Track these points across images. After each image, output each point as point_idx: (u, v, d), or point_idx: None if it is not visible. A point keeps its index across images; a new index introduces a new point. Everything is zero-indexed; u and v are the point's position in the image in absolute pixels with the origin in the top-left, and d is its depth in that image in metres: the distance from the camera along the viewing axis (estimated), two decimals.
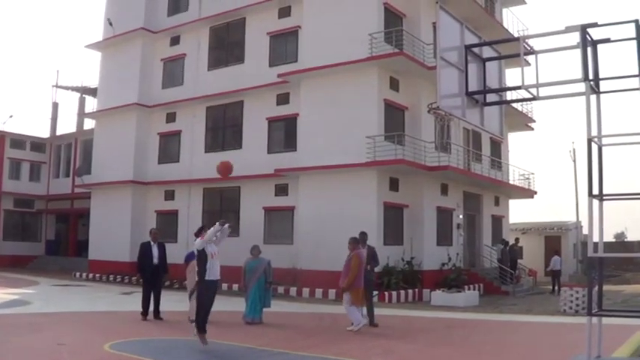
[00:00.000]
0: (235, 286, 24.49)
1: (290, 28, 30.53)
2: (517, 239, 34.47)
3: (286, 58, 30.45)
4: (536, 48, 10.42)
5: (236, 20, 32.93)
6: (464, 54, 9.10)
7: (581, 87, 8.71)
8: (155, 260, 17.42)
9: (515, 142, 50.49)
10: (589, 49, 8.87)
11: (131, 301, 21.96)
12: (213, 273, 12.43)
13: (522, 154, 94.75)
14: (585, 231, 49.67)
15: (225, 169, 14.02)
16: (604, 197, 8.77)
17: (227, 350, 11.78)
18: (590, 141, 8.31)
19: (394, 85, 27.70)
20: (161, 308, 17.32)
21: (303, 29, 29.56)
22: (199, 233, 13.15)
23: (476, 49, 9.55)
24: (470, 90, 9.14)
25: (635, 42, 8.62)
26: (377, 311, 19.81)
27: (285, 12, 30.99)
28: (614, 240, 62.69)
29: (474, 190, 32.50)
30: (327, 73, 27.74)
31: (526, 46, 32.49)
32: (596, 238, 9.31)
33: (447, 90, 8.70)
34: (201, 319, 12.36)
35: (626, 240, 60.33)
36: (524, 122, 38.42)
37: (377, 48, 26.69)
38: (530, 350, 12.71)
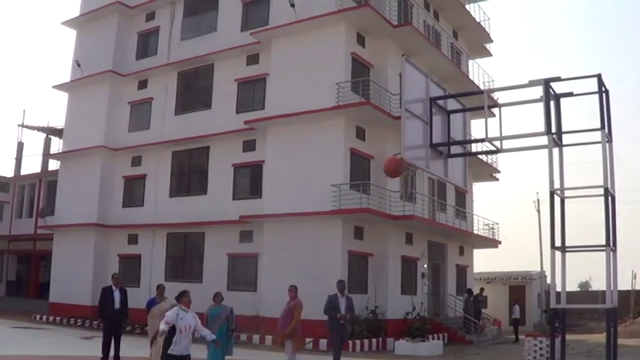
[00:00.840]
0: (197, 333, 24.18)
1: (258, 76, 30.72)
2: (482, 289, 34.60)
3: (253, 105, 30.60)
4: (501, 101, 10.58)
5: (204, 66, 33.09)
6: (429, 106, 9.22)
7: (544, 140, 8.85)
8: (117, 305, 17.18)
9: (480, 192, 51.10)
10: (552, 103, 9.04)
11: (92, 346, 21.61)
12: (177, 348, 11.11)
13: (487, 204, 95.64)
14: (550, 281, 50.11)
15: (394, 165, 11.34)
16: (566, 249, 8.87)
17: None
18: (552, 193, 8.43)
19: (360, 134, 27.92)
20: (121, 354, 17.06)
21: (271, 77, 29.78)
22: (180, 299, 11.67)
23: (441, 102, 9.68)
24: (434, 142, 9.24)
25: (596, 96, 8.82)
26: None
27: (253, 59, 31.19)
28: (578, 289, 63.25)
29: (438, 240, 32.65)
30: (293, 121, 27.90)
31: (491, 98, 33.11)
32: (559, 289, 9.42)
33: (411, 141, 8.79)
34: None
35: (590, 289, 60.93)
36: (488, 172, 38.83)
37: (344, 97, 26.93)
38: None
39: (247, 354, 20.81)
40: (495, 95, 34.70)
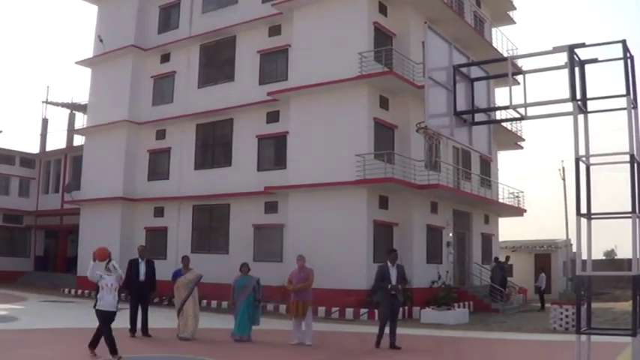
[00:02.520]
0: (224, 303, 24.45)
1: (280, 47, 30.62)
2: (507, 257, 34.46)
3: (276, 76, 30.56)
4: (525, 68, 10.47)
5: (226, 38, 33.02)
6: (452, 74, 9.14)
7: (569, 107, 8.76)
8: (142, 277, 17.38)
9: (505, 160, 50.82)
10: (577, 69, 8.93)
11: (120, 317, 21.74)
12: (102, 304, 12.50)
13: (512, 172, 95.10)
14: (575, 249, 49.89)
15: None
16: (592, 216, 8.82)
17: None
18: (577, 160, 8.36)
19: (384, 103, 27.82)
20: (149, 325, 17.24)
21: (293, 47, 29.68)
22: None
23: (464, 69, 9.60)
24: (458, 110, 9.18)
25: (622, 62, 8.71)
26: (367, 329, 19.93)
27: (275, 30, 31.10)
28: (604, 257, 62.96)
29: (463, 209, 32.59)
30: (316, 92, 27.85)
31: (515, 65, 32.83)
32: (584, 257, 9.38)
33: (435, 109, 8.73)
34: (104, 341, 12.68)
35: (615, 257, 60.61)
36: (513, 141, 38.63)
37: (367, 67, 26.81)
38: None
39: (274, 323, 20.98)
40: (520, 63, 34.59)
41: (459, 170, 31.80)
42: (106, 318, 12.43)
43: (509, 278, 32.79)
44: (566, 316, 20.70)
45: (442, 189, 28.01)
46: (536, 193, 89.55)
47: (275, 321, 21.91)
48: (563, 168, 44.49)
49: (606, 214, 8.83)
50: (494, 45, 36.38)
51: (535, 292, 34.01)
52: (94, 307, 12.60)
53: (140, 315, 17.18)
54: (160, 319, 19.29)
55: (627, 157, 8.38)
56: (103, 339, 12.65)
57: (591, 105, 9.37)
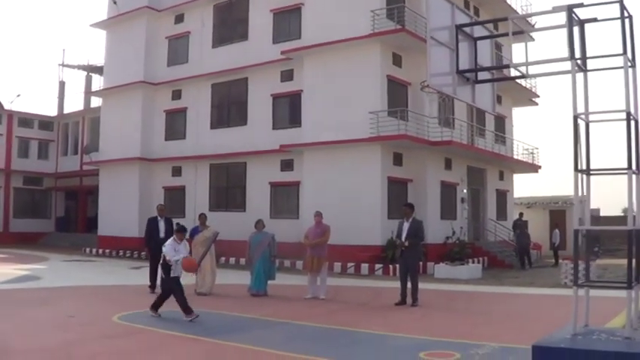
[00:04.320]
0: (242, 260, 24.93)
1: (293, 5, 30.65)
2: (521, 214, 34.20)
3: (290, 34, 30.67)
4: (542, 25, 10.66)
5: None
6: (454, 34, 9.36)
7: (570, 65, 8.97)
8: (162, 234, 17.74)
9: (520, 117, 50.76)
10: (577, 29, 9.12)
11: (140, 275, 22.40)
12: (177, 272, 13.26)
13: (527, 129, 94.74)
14: (592, 205, 49.96)
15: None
16: (590, 172, 9.09)
17: (231, 320, 12.19)
18: (575, 117, 8.61)
19: (397, 61, 27.93)
20: None
21: (306, 6, 29.74)
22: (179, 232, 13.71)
23: (467, 29, 9.80)
24: (460, 68, 9.41)
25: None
26: (383, 284, 20.38)
27: None
28: (622, 214, 63.10)
29: (478, 165, 32.76)
30: (330, 50, 27.99)
31: (528, 23, 32.68)
32: (583, 213, 9.68)
33: (437, 69, 8.95)
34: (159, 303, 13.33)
35: (634, 214, 60.70)
36: (528, 97, 38.59)
37: (379, 24, 26.88)
38: (525, 321, 13.07)
39: (289, 279, 21.40)
40: (533, 20, 34.47)
41: (472, 127, 31.92)
42: (178, 283, 13.14)
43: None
44: (579, 271, 20.93)
45: (455, 145, 28.20)
46: (552, 150, 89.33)
47: (292, 276, 22.34)
48: (587, 124, 44.17)
49: (603, 170, 9.10)
50: (508, 1, 36.11)
51: (550, 248, 34.17)
52: (167, 275, 13.22)
53: (160, 271, 17.67)
54: None
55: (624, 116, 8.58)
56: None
57: (593, 64, 9.55)
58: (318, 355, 9.37)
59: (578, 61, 8.95)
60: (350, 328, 11.89)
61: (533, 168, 37.99)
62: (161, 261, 13.41)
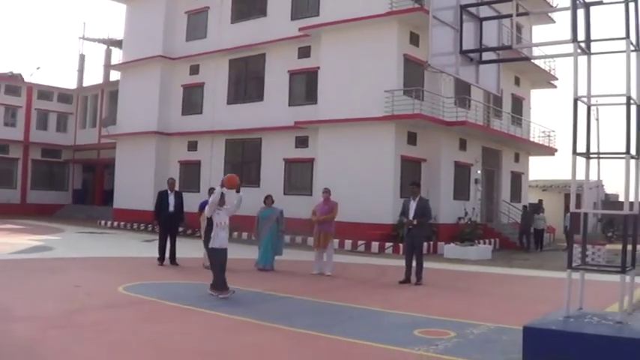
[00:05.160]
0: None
1: None
2: (540, 200, 33.57)
3: (308, 11, 30.65)
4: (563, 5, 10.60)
5: None
6: (459, 13, 9.36)
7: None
8: (171, 208, 17.96)
9: (539, 99, 50.42)
10: (582, 11, 9.11)
11: (151, 248, 22.54)
12: (217, 242, 12.24)
13: (545, 111, 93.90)
14: (607, 190, 49.74)
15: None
16: (590, 156, 9.11)
17: (236, 294, 12.32)
18: (576, 100, 8.61)
19: (414, 40, 27.80)
20: (177, 255, 17.91)
21: None
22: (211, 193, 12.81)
23: (473, 9, 9.79)
24: (464, 49, 9.41)
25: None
26: (391, 262, 20.47)
27: None
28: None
29: (493, 146, 32.66)
30: (347, 27, 27.95)
31: (548, 4, 32.40)
32: (581, 196, 9.70)
33: (439, 49, 8.97)
34: (218, 281, 12.30)
35: None
36: (547, 80, 38.32)
37: (397, 2, 26.79)
38: (528, 303, 13.07)
39: (300, 255, 21.53)
40: (555, 2, 34.17)
41: (489, 108, 31.79)
42: (221, 256, 12.33)
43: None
44: (587, 255, 20.89)
45: (470, 126, 28.15)
46: (570, 133, 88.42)
47: (301, 252, 22.47)
48: (597, 108, 43.87)
49: (602, 154, 9.11)
50: None
51: (564, 231, 34.06)
52: (207, 246, 12.57)
53: (169, 245, 17.88)
54: (188, 249, 19.96)
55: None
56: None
57: (598, 47, 9.52)
58: (312, 329, 9.47)
59: (582, 44, 8.93)
60: (350, 304, 11.98)
61: (549, 151, 37.78)
62: (204, 231, 12.84)
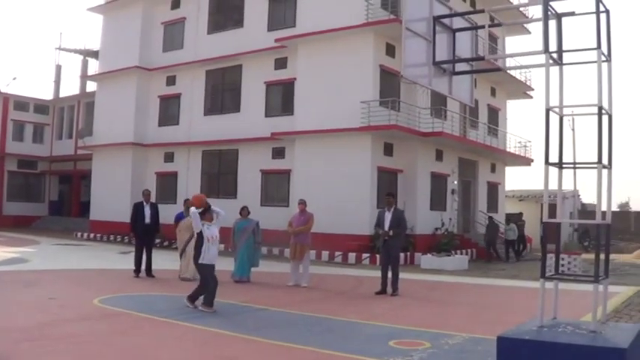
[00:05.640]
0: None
1: None
2: (521, 213, 33.58)
3: (284, 22, 30.67)
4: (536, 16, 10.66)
5: None
6: (432, 25, 9.40)
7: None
8: (147, 220, 17.88)
9: (515, 109, 50.86)
10: (554, 22, 9.19)
11: (127, 259, 22.40)
12: (207, 257, 12.14)
13: (522, 121, 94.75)
14: (584, 199, 50.09)
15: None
16: (563, 165, 9.17)
17: (213, 306, 12.22)
18: (547, 111, 8.66)
19: (390, 51, 27.90)
20: (153, 266, 17.81)
21: None
22: (203, 216, 12.39)
23: (446, 20, 9.83)
24: (437, 60, 9.45)
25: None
26: (368, 273, 20.46)
27: None
28: (618, 209, 63.66)
29: (469, 157, 32.83)
30: (324, 39, 28.05)
31: (522, 14, 32.68)
32: (553, 206, 9.76)
33: (412, 60, 8.98)
34: (209, 295, 12.14)
35: (630, 210, 61.28)
36: (522, 90, 38.57)
37: (373, 14, 26.89)
38: (503, 312, 13.13)
39: (275, 266, 21.50)
40: (530, 13, 34.42)
41: (465, 118, 31.95)
42: (211, 271, 12.22)
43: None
44: (562, 265, 21.03)
45: (446, 137, 28.29)
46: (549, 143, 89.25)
47: (278, 264, 22.42)
48: (573, 118, 44.22)
49: (575, 164, 9.17)
50: None
51: (540, 242, 34.11)
52: (197, 261, 12.27)
53: (145, 256, 17.79)
54: (164, 260, 19.87)
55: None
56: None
57: (570, 57, 9.60)
58: (287, 341, 9.45)
59: (554, 55, 9.00)
60: (326, 316, 11.96)
61: (525, 161, 38.03)
62: (194, 245, 12.48)
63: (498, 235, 29.87)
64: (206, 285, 12.16)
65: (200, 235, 12.24)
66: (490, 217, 30.53)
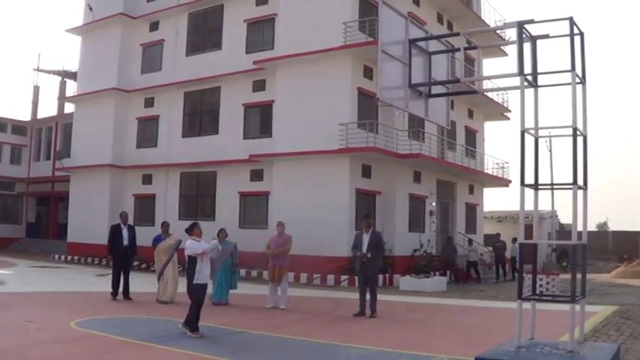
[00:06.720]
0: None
1: (267, 16, 30.74)
2: (498, 234, 33.62)
3: (263, 45, 30.75)
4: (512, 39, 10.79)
5: (214, 7, 33.12)
6: (408, 48, 9.47)
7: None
8: (125, 242, 17.84)
9: (492, 131, 51.28)
10: (529, 45, 9.30)
11: (104, 282, 22.19)
12: (202, 277, 12.17)
13: (499, 143, 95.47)
14: (562, 220, 50.40)
15: None
16: (539, 187, 9.25)
17: None
18: (523, 132, 8.75)
19: (368, 73, 27.99)
20: (131, 289, 17.72)
21: (280, 17, 29.86)
22: (191, 231, 12.56)
23: (422, 43, 9.92)
24: (414, 82, 9.52)
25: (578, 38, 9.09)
26: (347, 295, 20.43)
27: None
28: (596, 229, 64.41)
29: (447, 178, 32.97)
30: (302, 61, 28.14)
31: (500, 36, 33.00)
32: (532, 227, 9.83)
33: (388, 82, 9.05)
34: (192, 319, 12.10)
35: (608, 230, 62.00)
36: (500, 112, 38.85)
37: (351, 37, 27.04)
38: (481, 333, 13.14)
39: (252, 288, 21.45)
40: (507, 35, 34.78)
41: (443, 140, 32.12)
42: (203, 292, 12.26)
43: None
44: (540, 286, 21.12)
45: (424, 158, 28.40)
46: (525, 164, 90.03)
47: (257, 286, 22.35)
48: (550, 139, 44.73)
49: (550, 185, 9.26)
50: (483, 17, 36.42)
51: (516, 262, 34.26)
52: (191, 281, 12.13)
53: (122, 279, 17.68)
54: (142, 283, 19.77)
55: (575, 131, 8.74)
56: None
57: (545, 79, 9.72)
58: None
59: (529, 77, 9.11)
60: (304, 338, 11.95)
61: (503, 182, 38.23)
62: (186, 266, 12.33)
63: (456, 257, 29.74)
64: (198, 305, 12.10)
65: (191, 257, 12.16)
66: (449, 238, 30.54)
